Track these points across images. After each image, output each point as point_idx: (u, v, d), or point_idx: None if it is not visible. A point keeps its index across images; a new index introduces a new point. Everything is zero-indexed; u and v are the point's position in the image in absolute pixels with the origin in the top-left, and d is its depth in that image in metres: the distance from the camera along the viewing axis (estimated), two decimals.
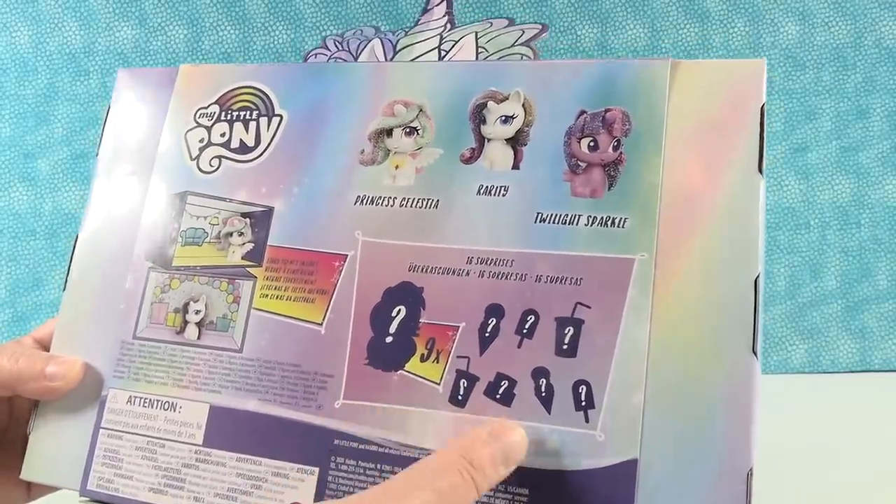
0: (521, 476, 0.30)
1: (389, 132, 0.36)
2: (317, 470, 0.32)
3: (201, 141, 0.38)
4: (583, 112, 0.33)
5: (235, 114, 0.38)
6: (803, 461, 0.47)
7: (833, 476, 0.50)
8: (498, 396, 0.31)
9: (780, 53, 0.63)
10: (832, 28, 0.62)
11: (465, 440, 0.29)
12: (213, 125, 0.39)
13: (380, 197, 0.35)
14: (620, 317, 0.30)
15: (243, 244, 0.36)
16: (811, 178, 0.60)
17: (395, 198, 0.35)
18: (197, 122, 0.39)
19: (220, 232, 0.37)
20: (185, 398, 0.35)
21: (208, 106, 0.39)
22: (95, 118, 0.65)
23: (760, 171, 0.30)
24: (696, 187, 0.31)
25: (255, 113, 0.38)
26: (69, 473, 0.36)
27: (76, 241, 0.39)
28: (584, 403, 0.30)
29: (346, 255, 0.34)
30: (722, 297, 0.30)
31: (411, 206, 0.34)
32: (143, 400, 0.36)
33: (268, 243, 0.36)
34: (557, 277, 0.32)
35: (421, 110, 0.35)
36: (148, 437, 0.35)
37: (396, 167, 0.35)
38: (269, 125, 0.38)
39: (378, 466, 0.32)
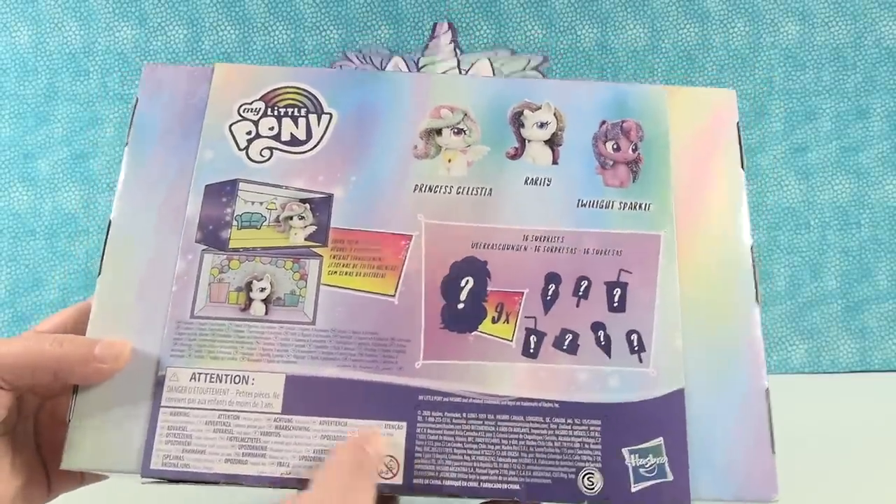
0: (593, 410, 0.36)
1: (439, 132, 0.41)
2: (404, 424, 0.36)
3: (248, 133, 0.41)
4: (604, 122, 0.41)
5: (282, 110, 0.41)
6: (803, 461, 0.48)
7: (833, 476, 0.53)
8: (565, 347, 0.37)
9: (780, 53, 0.64)
10: (832, 28, 0.65)
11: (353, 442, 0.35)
12: (259, 119, 0.41)
13: (437, 185, 0.40)
14: (656, 279, 0.38)
15: (305, 227, 0.39)
16: (811, 178, 0.62)
17: (452, 186, 0.40)
18: (242, 116, 0.41)
19: (279, 216, 0.39)
20: (258, 370, 0.36)
21: (252, 102, 0.41)
22: (95, 118, 0.61)
23: (742, 167, 0.40)
24: (697, 180, 0.40)
25: (303, 110, 0.41)
26: (122, 457, 0.35)
27: (109, 227, 0.39)
28: (636, 348, 0.37)
29: (412, 236, 0.39)
30: (729, 262, 0.38)
31: (467, 194, 0.39)
32: (209, 376, 0.36)
33: (331, 226, 0.39)
34: (602, 250, 0.39)
35: (465, 115, 0.41)
36: (219, 410, 0.36)
37: (449, 160, 0.40)
38: (318, 122, 0.41)
39: (463, 415, 0.36)
